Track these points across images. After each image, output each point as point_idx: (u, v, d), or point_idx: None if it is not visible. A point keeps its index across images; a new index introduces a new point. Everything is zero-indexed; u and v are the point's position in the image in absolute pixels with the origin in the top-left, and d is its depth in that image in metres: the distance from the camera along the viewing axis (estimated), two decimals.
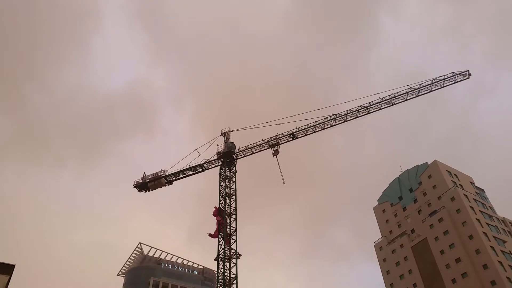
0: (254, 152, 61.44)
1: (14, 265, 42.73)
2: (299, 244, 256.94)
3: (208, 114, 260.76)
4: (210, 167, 62.48)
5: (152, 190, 62.94)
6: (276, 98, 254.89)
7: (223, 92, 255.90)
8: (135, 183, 63.21)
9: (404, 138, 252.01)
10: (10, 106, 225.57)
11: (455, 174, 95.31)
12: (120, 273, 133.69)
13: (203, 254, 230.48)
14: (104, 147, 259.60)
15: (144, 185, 62.85)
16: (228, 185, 59.12)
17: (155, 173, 63.09)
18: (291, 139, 59.58)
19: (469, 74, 58.09)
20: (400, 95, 57.84)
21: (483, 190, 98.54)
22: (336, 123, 58.13)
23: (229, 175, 60.13)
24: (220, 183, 59.05)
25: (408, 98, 58.10)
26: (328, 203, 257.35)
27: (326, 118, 57.68)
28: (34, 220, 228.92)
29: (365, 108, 57.72)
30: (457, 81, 58.08)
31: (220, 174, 59.99)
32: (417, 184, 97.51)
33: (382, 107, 57.67)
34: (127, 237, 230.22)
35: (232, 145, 61.65)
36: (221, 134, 63.63)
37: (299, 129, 58.84)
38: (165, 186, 62.92)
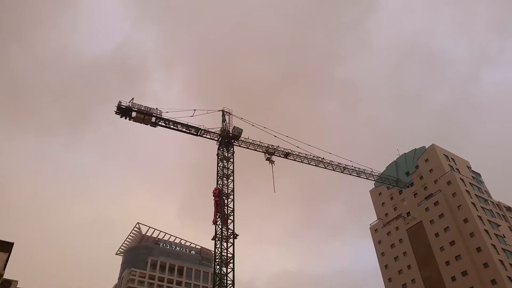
0: (249, 148, 63.36)
1: (13, 243, 43.17)
2: (293, 220, 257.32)
3: (201, 77, 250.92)
4: (205, 136, 61.22)
5: (134, 121, 57.85)
6: (271, 61, 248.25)
7: (216, 53, 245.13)
8: (119, 103, 57.01)
9: (401, 109, 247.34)
10: None
11: (452, 158, 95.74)
12: (119, 252, 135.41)
13: (197, 230, 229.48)
14: (93, 113, 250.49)
15: (128, 111, 57.36)
16: (226, 166, 59.33)
17: (149, 107, 58.71)
18: (283, 156, 65.24)
19: (408, 186, 79.56)
20: (365, 173, 71.79)
21: (479, 174, 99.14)
22: (319, 165, 67.65)
23: (227, 155, 60.26)
24: (218, 163, 59.18)
25: (368, 178, 72.64)
26: (324, 177, 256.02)
27: (313, 157, 66.88)
28: (26, 192, 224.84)
29: (341, 168, 69.68)
30: (401, 187, 77.48)
31: (218, 154, 60.13)
32: (414, 167, 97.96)
33: (351, 174, 70.62)
34: (123, 211, 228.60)
35: (241, 132, 62.12)
36: (222, 112, 63.23)
37: (292, 152, 65.47)
38: (147, 125, 58.59)
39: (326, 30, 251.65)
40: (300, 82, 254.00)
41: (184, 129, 60.40)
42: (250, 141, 62.97)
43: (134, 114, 57.56)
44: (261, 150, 63.56)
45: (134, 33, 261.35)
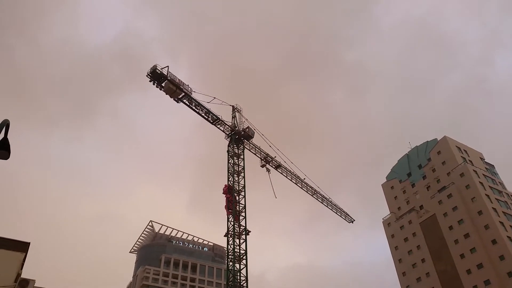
0: (250, 150, 63.49)
1: (29, 243, 43.80)
2: (303, 212, 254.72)
3: (205, 66, 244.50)
4: (218, 126, 60.82)
5: (162, 89, 56.33)
6: (277, 48, 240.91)
7: (220, 41, 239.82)
8: (154, 67, 54.93)
9: (411, 96, 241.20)
10: None
11: (464, 150, 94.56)
12: (132, 250, 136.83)
13: (206, 224, 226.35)
14: (97, 105, 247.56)
15: (161, 78, 55.25)
16: (237, 163, 59.39)
17: (182, 81, 56.75)
18: (274, 167, 65.60)
19: (353, 221, 77.48)
20: (329, 202, 72.70)
21: (493, 165, 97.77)
22: (297, 184, 68.81)
23: (237, 152, 60.31)
24: (228, 160, 59.21)
25: (327, 206, 72.96)
26: (334, 167, 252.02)
27: (297, 177, 68.13)
28: (34, 190, 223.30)
29: (312, 191, 70.43)
30: (347, 220, 77.06)
31: (228, 151, 60.14)
32: (426, 160, 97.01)
33: (317, 199, 71.41)
34: (131, 206, 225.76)
35: (253, 134, 62.57)
36: (232, 108, 63.32)
37: (282, 165, 66.09)
38: (172, 97, 56.87)
39: (332, 15, 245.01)
40: (307, 70, 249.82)
41: (203, 114, 59.43)
42: (253, 144, 63.93)
43: (164, 83, 55.78)
44: (260, 156, 64.53)
45: (135, 21, 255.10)
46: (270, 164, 64.76)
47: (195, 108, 58.78)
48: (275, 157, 65.04)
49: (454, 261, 79.64)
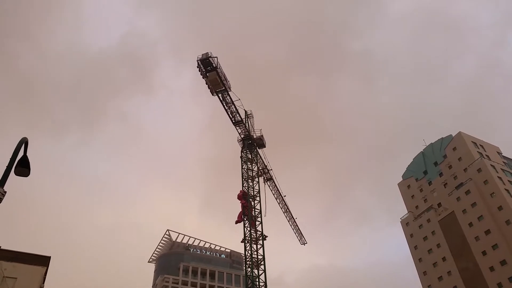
0: (253, 157, 62.91)
1: (49, 257, 44.39)
2: (319, 208, 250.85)
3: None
4: (237, 127, 60.63)
5: (205, 78, 55.52)
6: (283, 42, 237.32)
7: (226, 36, 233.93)
8: (207, 54, 54.60)
9: (423, 85, 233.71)
10: (2, 68, 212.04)
11: (481, 145, 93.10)
12: (151, 259, 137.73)
13: (220, 227, 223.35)
14: (104, 109, 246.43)
15: (209, 66, 54.80)
16: (250, 168, 59.43)
17: (226, 77, 56.24)
18: (266, 179, 64.18)
19: (305, 243, 73.03)
20: (293, 221, 70.26)
21: (511, 159, 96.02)
22: (277, 199, 67.11)
23: (250, 157, 60.35)
24: (242, 166, 59.25)
25: (292, 227, 70.72)
26: (348, 161, 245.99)
27: (279, 193, 66.32)
28: (49, 197, 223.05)
29: (287, 212, 69.18)
30: (300, 242, 73.66)
31: (241, 157, 60.17)
32: (442, 157, 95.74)
33: (286, 217, 69.52)
34: (145, 212, 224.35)
35: (265, 143, 62.68)
36: (245, 112, 63.20)
37: (272, 181, 64.87)
38: (213, 89, 56.06)
39: (339, 4, 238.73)
40: (314, 62, 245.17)
41: (229, 112, 59.11)
42: (259, 153, 63.37)
43: (210, 74, 55.03)
44: (259, 166, 63.74)
45: (138, 21, 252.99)
46: (264, 176, 64.03)
47: (226, 106, 58.50)
48: (271, 169, 64.41)
49: (476, 259, 78.19)
